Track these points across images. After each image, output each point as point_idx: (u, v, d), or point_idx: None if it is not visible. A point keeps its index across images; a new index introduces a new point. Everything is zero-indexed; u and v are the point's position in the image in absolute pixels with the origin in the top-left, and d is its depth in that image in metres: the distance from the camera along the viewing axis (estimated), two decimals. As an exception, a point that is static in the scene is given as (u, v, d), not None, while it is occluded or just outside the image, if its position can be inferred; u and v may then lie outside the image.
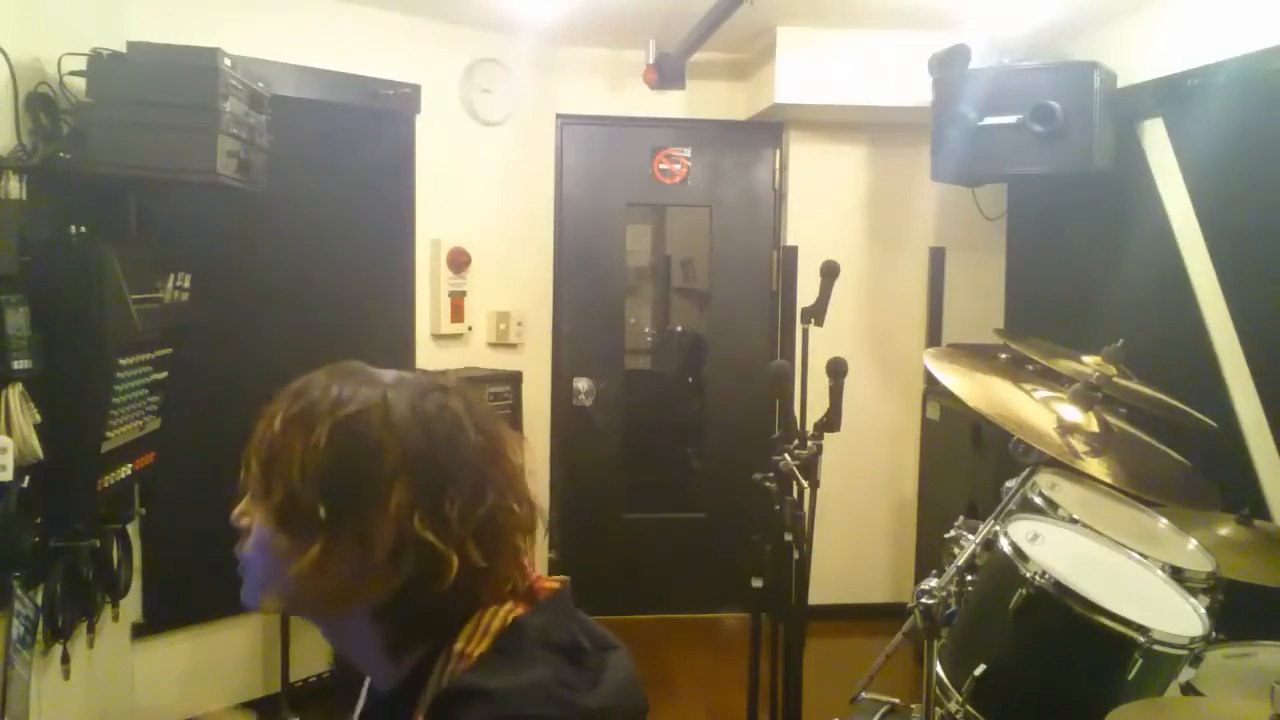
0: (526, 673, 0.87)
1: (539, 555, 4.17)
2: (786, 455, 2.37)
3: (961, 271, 4.39)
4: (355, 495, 0.88)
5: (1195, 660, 2.06)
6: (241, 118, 2.65)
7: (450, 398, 0.94)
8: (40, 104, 2.45)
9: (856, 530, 4.40)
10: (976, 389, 2.33)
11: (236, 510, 0.96)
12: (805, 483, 2.42)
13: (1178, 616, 2.00)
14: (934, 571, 2.18)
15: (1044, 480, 2.40)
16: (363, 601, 0.91)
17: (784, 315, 4.35)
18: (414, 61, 3.77)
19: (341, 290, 3.57)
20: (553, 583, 0.98)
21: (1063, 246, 3.96)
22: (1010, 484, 2.37)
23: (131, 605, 3.06)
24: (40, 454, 2.33)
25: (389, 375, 0.95)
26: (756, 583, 2.44)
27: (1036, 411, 2.30)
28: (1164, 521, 2.43)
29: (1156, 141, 3.36)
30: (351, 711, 1.05)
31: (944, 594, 2.05)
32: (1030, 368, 2.74)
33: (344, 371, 0.95)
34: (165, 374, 2.81)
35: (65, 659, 2.63)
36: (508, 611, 0.91)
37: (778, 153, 4.41)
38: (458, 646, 0.89)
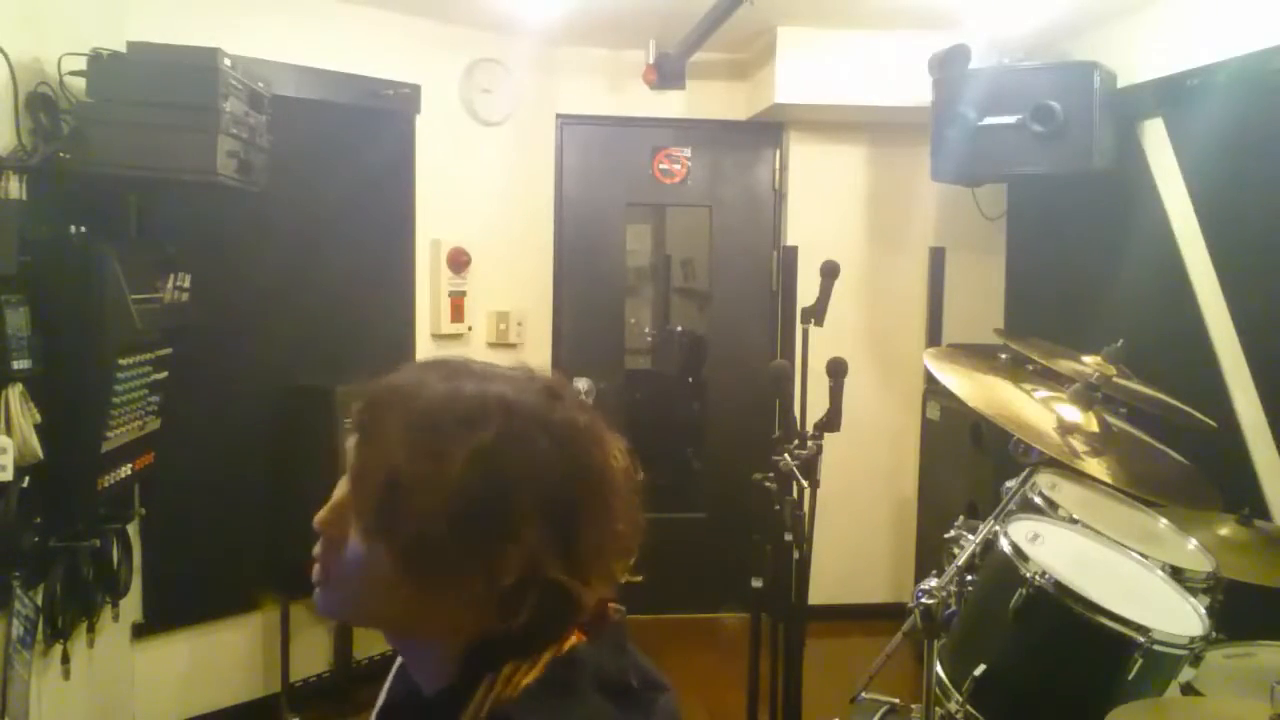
0: (570, 712, 0.81)
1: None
2: (786, 455, 2.37)
3: (961, 271, 4.39)
4: (487, 533, 0.80)
5: (1195, 660, 2.06)
6: (241, 118, 2.64)
7: (572, 411, 0.86)
8: (40, 104, 2.45)
9: (856, 530, 4.40)
10: (976, 389, 2.34)
11: (321, 515, 0.87)
12: (805, 483, 2.42)
13: (1178, 616, 2.00)
14: (934, 571, 2.18)
15: (1044, 480, 2.40)
16: (460, 628, 0.84)
17: (784, 315, 4.35)
18: (414, 61, 3.77)
19: (341, 290, 3.57)
20: (614, 609, 0.91)
21: (1063, 246, 3.96)
22: (1010, 484, 2.37)
23: (131, 605, 3.06)
24: (40, 454, 2.33)
25: (499, 378, 0.86)
26: (756, 583, 2.44)
27: (1036, 411, 2.30)
28: (1164, 521, 2.43)
29: (1156, 141, 3.36)
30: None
31: (944, 594, 2.05)
32: (1030, 368, 2.74)
33: (453, 372, 0.86)
34: (165, 374, 2.81)
35: (65, 659, 2.63)
36: (566, 639, 0.85)
37: (778, 153, 4.41)
38: (506, 671, 0.82)
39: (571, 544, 0.82)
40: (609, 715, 0.83)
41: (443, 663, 0.86)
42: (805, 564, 2.47)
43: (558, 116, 4.29)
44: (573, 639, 0.85)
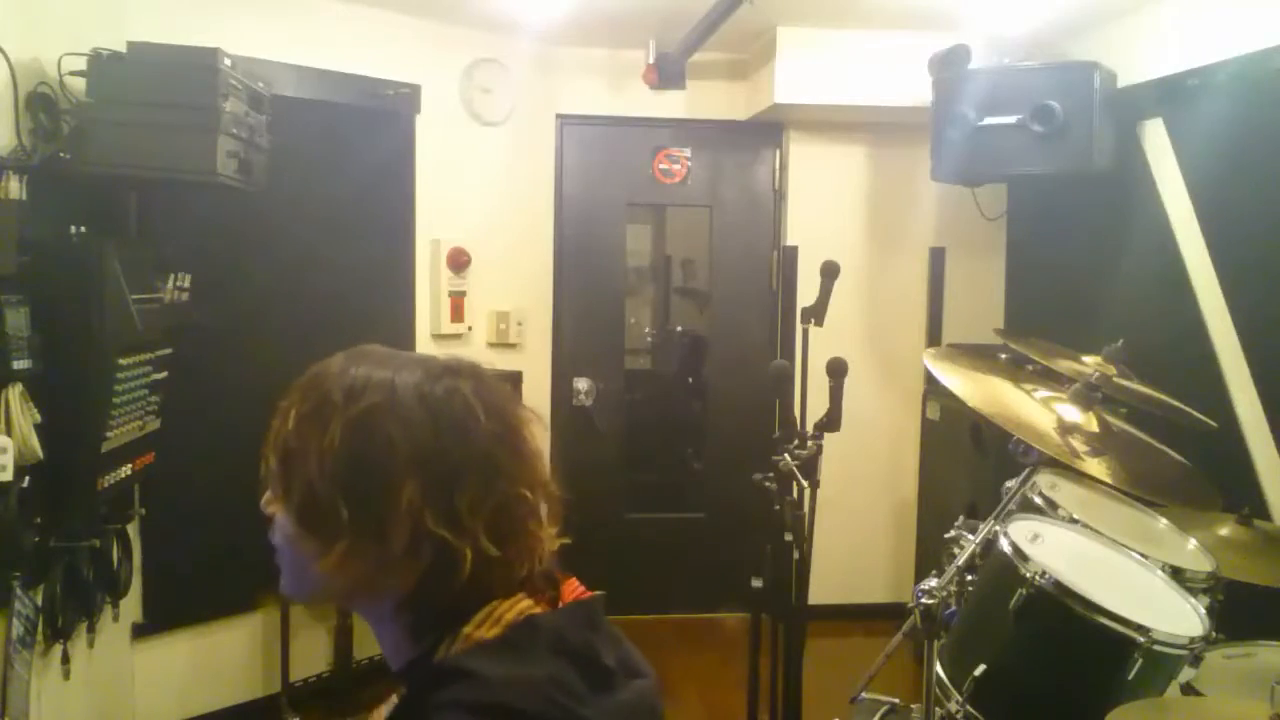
0: (524, 667, 0.85)
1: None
2: (786, 455, 2.37)
3: (961, 271, 4.39)
4: (371, 493, 0.88)
5: (1195, 660, 2.06)
6: (241, 118, 2.64)
7: (460, 381, 0.93)
8: (40, 104, 2.45)
9: (856, 530, 4.40)
10: (976, 389, 2.34)
11: (264, 499, 0.96)
12: (805, 483, 2.42)
13: (1178, 616, 2.00)
14: (934, 571, 2.18)
15: (1044, 480, 2.40)
16: (386, 593, 0.92)
17: (784, 315, 4.35)
18: (414, 61, 3.77)
19: (341, 290, 3.57)
20: (585, 593, 0.97)
21: (1063, 246, 3.96)
22: (1010, 484, 2.37)
23: (131, 605, 3.06)
24: (40, 454, 2.33)
25: (402, 359, 0.94)
26: (756, 583, 2.44)
27: (1036, 411, 2.30)
28: (1164, 521, 2.43)
29: (1156, 141, 3.36)
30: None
31: (944, 594, 2.05)
32: (1030, 368, 2.74)
33: (357, 357, 0.94)
34: (165, 374, 2.81)
35: (65, 659, 2.63)
36: (526, 606, 0.91)
37: (778, 153, 4.41)
38: (465, 630, 0.88)
39: (452, 501, 0.88)
40: (567, 676, 0.86)
41: (395, 636, 0.94)
42: (805, 564, 2.46)
43: (558, 116, 4.29)
44: (536, 608, 0.91)
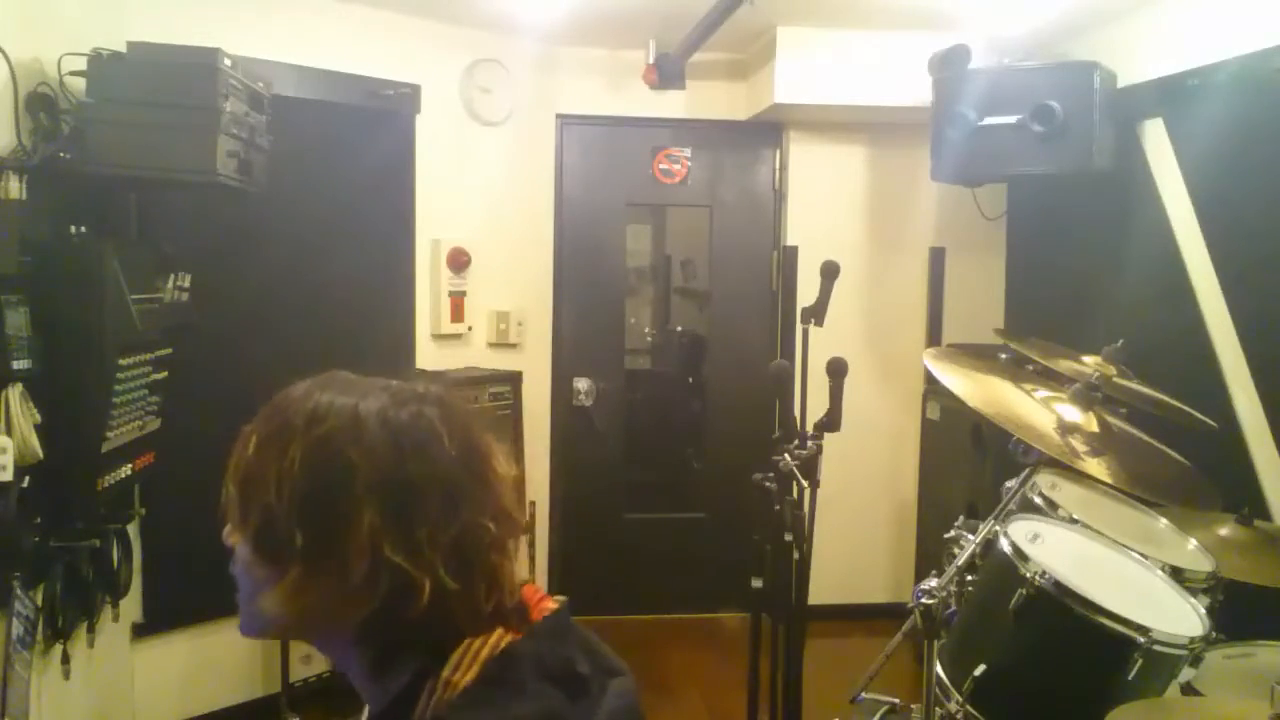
0: (510, 708, 0.83)
1: (538, 563, 4.17)
2: (786, 455, 2.37)
3: (961, 271, 4.39)
4: (329, 520, 0.85)
5: (1195, 660, 2.06)
6: (241, 118, 2.64)
7: (426, 406, 0.90)
8: (40, 104, 2.45)
9: (856, 530, 4.40)
10: (976, 389, 2.33)
11: (225, 530, 0.93)
12: (805, 483, 2.42)
13: (1178, 616, 2.00)
14: (934, 571, 2.18)
15: (1044, 480, 2.40)
16: (343, 625, 0.89)
17: (784, 315, 4.35)
18: (414, 61, 3.77)
19: (341, 290, 3.57)
20: (551, 603, 0.95)
21: (1063, 246, 3.96)
22: (1010, 484, 2.37)
23: (131, 605, 3.06)
24: (40, 454, 2.33)
25: (368, 385, 0.92)
26: (756, 583, 2.44)
27: (1036, 411, 2.30)
28: (1164, 521, 2.43)
29: (1156, 141, 3.36)
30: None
31: (944, 594, 2.05)
32: (1030, 368, 2.74)
33: (323, 383, 0.92)
34: (165, 374, 2.81)
35: (65, 659, 2.63)
36: (499, 638, 0.88)
37: (778, 153, 4.41)
38: (445, 674, 0.85)
39: (412, 530, 0.85)
40: (555, 704, 0.85)
41: (359, 673, 0.92)
42: (805, 564, 2.47)
43: (558, 116, 4.29)
44: (508, 637, 0.88)
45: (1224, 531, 2.44)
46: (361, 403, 0.89)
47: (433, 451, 0.88)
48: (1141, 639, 1.85)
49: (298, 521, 0.85)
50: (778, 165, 4.42)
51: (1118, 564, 2.16)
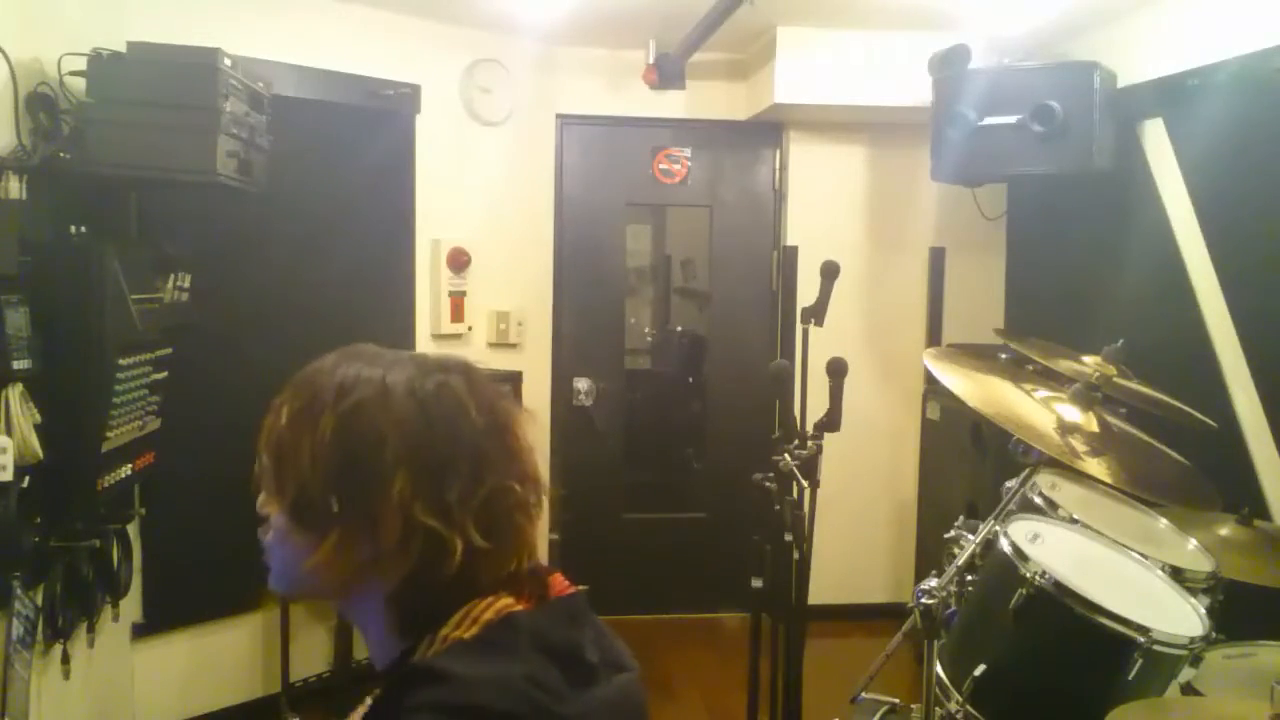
0: (500, 666, 0.84)
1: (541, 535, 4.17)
2: (786, 455, 2.37)
3: (961, 271, 4.39)
4: (362, 487, 0.89)
5: (1195, 660, 2.06)
6: (241, 118, 2.64)
7: (451, 376, 0.94)
8: (40, 104, 2.45)
9: (856, 530, 4.40)
10: (976, 389, 2.33)
11: (259, 499, 0.97)
12: (805, 483, 2.42)
13: (1178, 616, 2.00)
14: (934, 571, 2.18)
15: (1044, 480, 2.40)
16: (377, 585, 0.92)
17: (784, 315, 4.35)
18: (414, 61, 3.77)
19: (341, 290, 3.57)
20: (569, 588, 0.97)
21: (1063, 246, 3.96)
22: (1010, 484, 2.37)
23: (131, 605, 3.06)
24: (40, 454, 2.33)
25: (393, 357, 0.95)
26: (756, 583, 2.44)
27: (1036, 411, 2.30)
28: (1164, 521, 2.43)
29: (1156, 141, 3.36)
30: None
31: (944, 594, 2.05)
32: (1030, 368, 2.73)
33: (350, 355, 0.95)
34: (165, 374, 2.81)
35: (65, 659, 2.63)
36: (504, 605, 0.90)
37: (778, 153, 4.42)
38: (443, 631, 0.88)
39: (442, 493, 0.89)
40: (546, 673, 0.86)
41: (382, 633, 0.94)
42: (805, 564, 2.47)
43: (558, 116, 4.29)
44: (516, 606, 0.91)
45: (1224, 531, 2.44)
46: (388, 374, 0.92)
47: (460, 419, 0.92)
48: (1141, 639, 1.85)
49: (333, 490, 0.89)
50: (778, 165, 4.42)
51: (1118, 564, 2.16)
